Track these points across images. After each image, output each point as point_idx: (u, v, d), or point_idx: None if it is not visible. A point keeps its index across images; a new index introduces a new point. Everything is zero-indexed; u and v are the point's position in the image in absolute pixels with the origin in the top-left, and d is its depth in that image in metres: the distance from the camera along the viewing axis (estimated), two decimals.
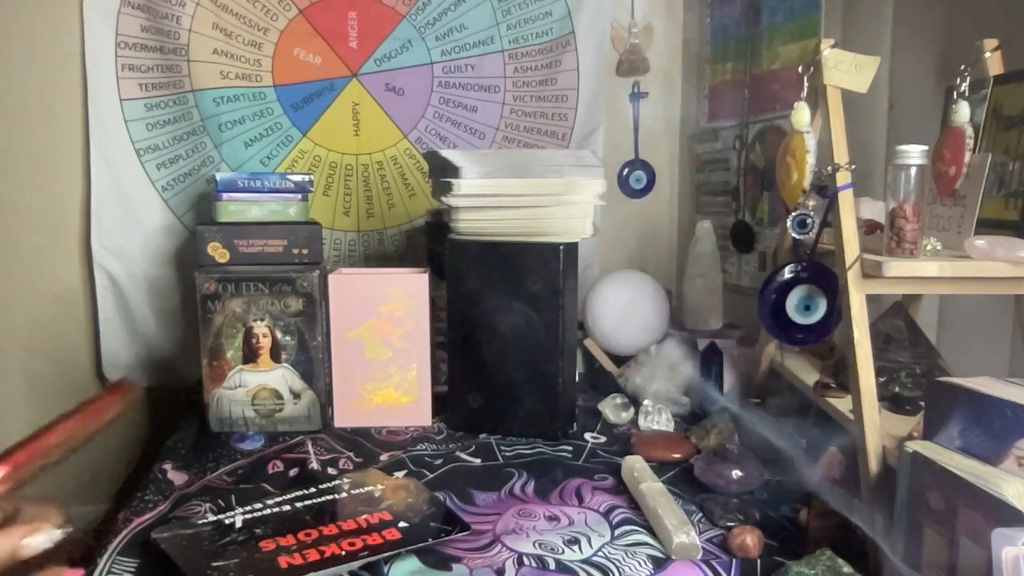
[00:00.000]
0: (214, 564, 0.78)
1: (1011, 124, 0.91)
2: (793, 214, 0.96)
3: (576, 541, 0.86)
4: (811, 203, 0.96)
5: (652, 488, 0.94)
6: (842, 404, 0.93)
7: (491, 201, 1.18)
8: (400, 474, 1.05)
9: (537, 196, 1.18)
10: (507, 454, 1.13)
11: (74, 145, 1.62)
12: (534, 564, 0.81)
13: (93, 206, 1.61)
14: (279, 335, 1.22)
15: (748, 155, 1.63)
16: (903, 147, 0.83)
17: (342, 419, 1.26)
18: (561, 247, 1.16)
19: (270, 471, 1.07)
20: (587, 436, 1.21)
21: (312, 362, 1.23)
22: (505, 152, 1.73)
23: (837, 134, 0.88)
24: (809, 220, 0.96)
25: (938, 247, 0.86)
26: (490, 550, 0.84)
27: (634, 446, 1.12)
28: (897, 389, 0.94)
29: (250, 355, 1.22)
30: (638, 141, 1.76)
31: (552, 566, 0.81)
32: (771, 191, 1.56)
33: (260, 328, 1.21)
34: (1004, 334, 1.02)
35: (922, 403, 0.89)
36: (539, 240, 1.17)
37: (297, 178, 1.33)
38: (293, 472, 1.07)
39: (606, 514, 0.93)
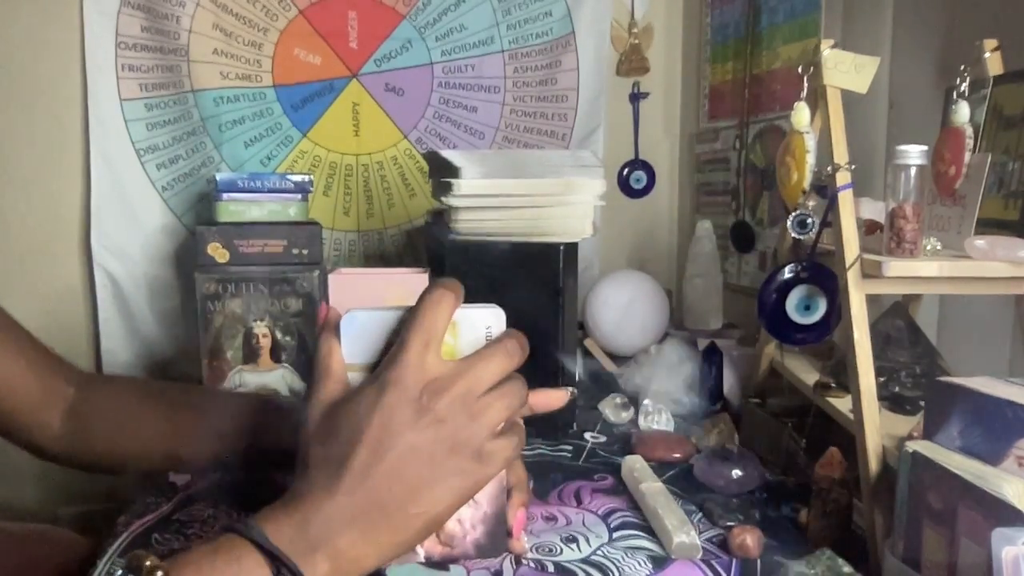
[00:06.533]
0: None
1: (1011, 124, 0.91)
2: (793, 214, 0.96)
3: (575, 541, 0.86)
4: (811, 203, 0.96)
5: (652, 488, 0.94)
6: (842, 404, 0.93)
7: (491, 201, 1.17)
8: None
9: (537, 196, 1.18)
10: None
11: (74, 145, 1.62)
12: (532, 564, 0.81)
13: (93, 206, 1.61)
14: (279, 335, 1.22)
15: (748, 155, 1.63)
16: (903, 147, 0.83)
17: None
18: (561, 247, 1.15)
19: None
20: (587, 436, 1.21)
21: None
22: (505, 152, 1.73)
23: (837, 134, 0.88)
24: (809, 220, 0.96)
25: (938, 247, 0.86)
26: None
27: (634, 446, 1.12)
28: (897, 389, 0.94)
29: (250, 355, 1.22)
30: (638, 141, 1.76)
31: (551, 567, 0.81)
32: (771, 191, 1.56)
33: (260, 328, 1.21)
34: (1004, 334, 1.02)
35: (922, 403, 0.89)
36: (539, 240, 1.17)
37: (297, 178, 1.33)
38: None
39: (605, 514, 0.93)
